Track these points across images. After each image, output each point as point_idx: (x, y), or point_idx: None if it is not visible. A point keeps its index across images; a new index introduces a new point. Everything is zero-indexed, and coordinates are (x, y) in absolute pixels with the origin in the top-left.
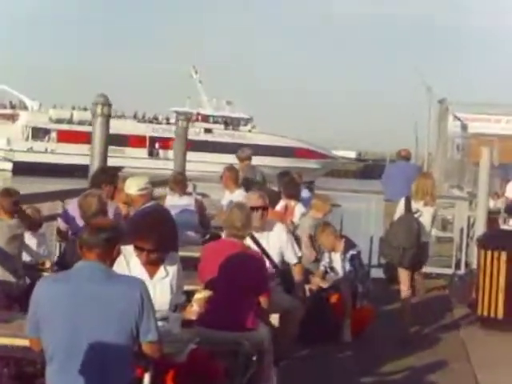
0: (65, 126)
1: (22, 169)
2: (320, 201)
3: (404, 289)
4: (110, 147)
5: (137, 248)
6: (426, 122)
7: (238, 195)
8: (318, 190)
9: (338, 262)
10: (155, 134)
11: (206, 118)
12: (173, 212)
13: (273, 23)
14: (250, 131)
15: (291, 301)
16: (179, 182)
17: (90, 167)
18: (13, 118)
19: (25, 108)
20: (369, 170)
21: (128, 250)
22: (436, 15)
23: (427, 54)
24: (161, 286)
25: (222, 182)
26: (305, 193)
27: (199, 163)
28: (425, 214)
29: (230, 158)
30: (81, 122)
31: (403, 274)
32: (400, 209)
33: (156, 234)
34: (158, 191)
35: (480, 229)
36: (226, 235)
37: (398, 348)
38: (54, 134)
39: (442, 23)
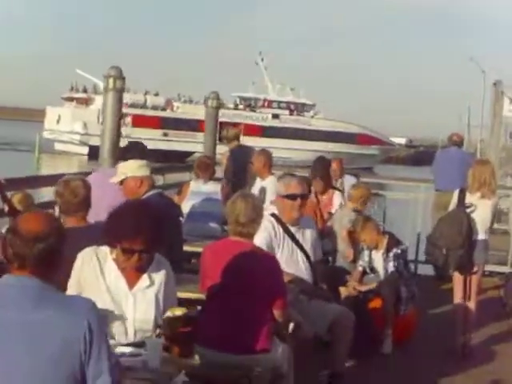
0: (139, 111)
1: (97, 153)
2: (356, 190)
3: (457, 294)
4: (182, 132)
5: (124, 251)
6: (479, 107)
7: (270, 183)
8: (364, 178)
9: (379, 261)
10: (225, 119)
11: (271, 104)
12: (194, 200)
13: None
14: (312, 117)
15: (336, 308)
16: (205, 166)
17: (101, 147)
18: (87, 102)
19: (99, 92)
20: (420, 156)
21: (102, 251)
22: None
23: (481, 40)
24: (143, 299)
25: (253, 167)
26: (350, 180)
27: (271, 149)
28: (480, 208)
29: (298, 144)
30: (154, 107)
31: (456, 277)
32: (454, 203)
33: (148, 229)
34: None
35: None
36: (231, 233)
37: (445, 361)
38: (128, 119)
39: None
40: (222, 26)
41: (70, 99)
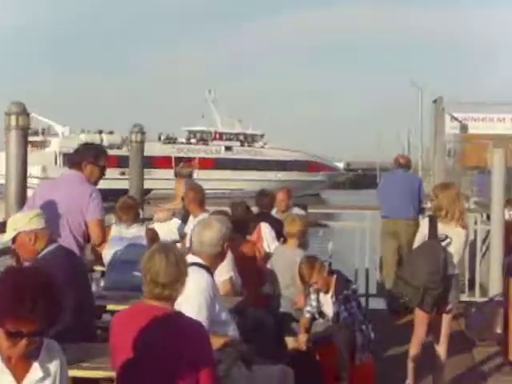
0: None
1: None
2: (293, 225)
3: (419, 335)
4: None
5: (9, 335)
6: (417, 126)
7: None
8: (311, 209)
9: (328, 305)
10: (180, 155)
11: (222, 136)
12: (117, 247)
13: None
14: (263, 147)
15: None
16: (128, 208)
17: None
18: (43, 144)
19: (54, 134)
20: (359, 180)
21: None
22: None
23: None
24: None
25: (185, 204)
26: (299, 212)
27: (223, 181)
28: (455, 240)
29: (250, 174)
30: (110, 146)
31: (421, 316)
32: (422, 233)
33: (41, 303)
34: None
35: (496, 246)
36: (146, 295)
37: None
38: None
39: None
40: (168, 56)
41: None
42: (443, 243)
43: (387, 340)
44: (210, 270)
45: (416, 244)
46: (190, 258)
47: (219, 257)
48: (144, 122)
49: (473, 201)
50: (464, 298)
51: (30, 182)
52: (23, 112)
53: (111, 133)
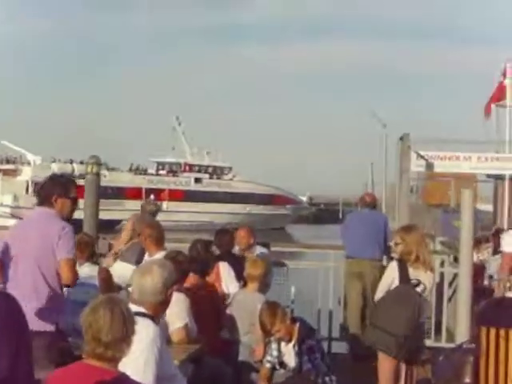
0: None
1: None
2: (255, 268)
3: None
4: (109, 200)
5: None
6: (381, 163)
7: None
8: (273, 247)
9: (290, 354)
10: (150, 186)
11: (191, 168)
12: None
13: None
14: (231, 180)
15: None
16: (83, 245)
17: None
18: (14, 173)
19: (25, 163)
20: (321, 214)
21: None
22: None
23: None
24: None
25: (141, 241)
26: (262, 251)
27: (192, 213)
28: (427, 285)
29: (218, 207)
30: (81, 176)
31: (388, 365)
32: (389, 277)
33: None
34: None
35: (464, 289)
36: (87, 355)
37: None
38: None
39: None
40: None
41: None
42: (418, 289)
43: None
44: (154, 319)
45: (382, 289)
46: (131, 308)
47: (163, 304)
48: (111, 151)
49: (438, 241)
50: (430, 343)
51: (2, 210)
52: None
53: (82, 163)
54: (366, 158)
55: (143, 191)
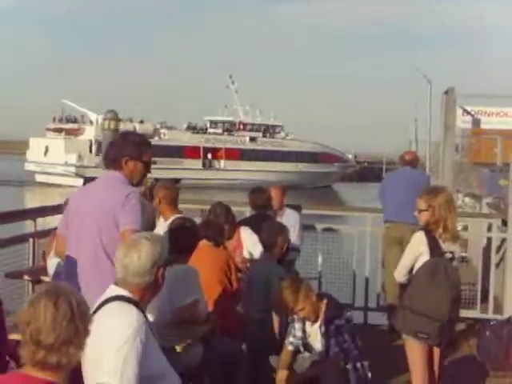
0: None
1: None
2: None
3: (421, 373)
4: (169, 159)
5: None
6: (426, 119)
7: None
8: (305, 210)
9: (316, 336)
10: (207, 145)
11: (245, 127)
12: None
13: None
14: (284, 138)
15: None
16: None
17: None
18: (77, 132)
19: (86, 122)
20: (364, 173)
21: None
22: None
23: (427, 51)
24: None
25: (155, 204)
26: (292, 215)
27: (248, 172)
28: (457, 257)
29: (272, 166)
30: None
31: (420, 350)
32: (415, 251)
33: None
34: None
35: None
36: (25, 361)
37: None
38: None
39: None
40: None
41: (58, 130)
42: (454, 263)
43: (386, 370)
44: (139, 304)
45: (407, 264)
46: (112, 290)
47: (152, 287)
48: (163, 109)
49: (485, 202)
50: (476, 313)
51: (67, 170)
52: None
53: (141, 122)
54: (412, 114)
55: (201, 150)
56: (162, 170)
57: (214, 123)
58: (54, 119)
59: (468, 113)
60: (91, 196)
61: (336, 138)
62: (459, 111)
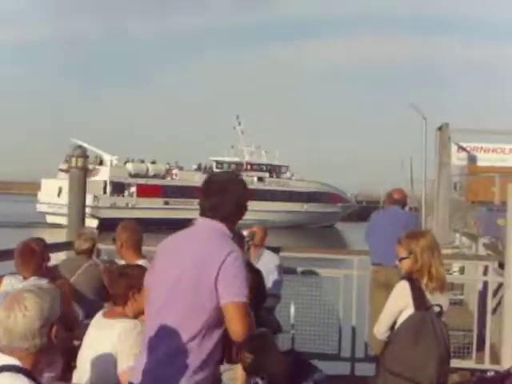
0: (142, 180)
1: (107, 225)
2: None
3: None
4: (181, 200)
5: None
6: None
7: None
8: (285, 253)
9: None
10: None
11: (253, 167)
12: None
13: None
14: (290, 178)
15: None
16: (29, 255)
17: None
18: (90, 173)
19: (100, 163)
20: (364, 212)
21: None
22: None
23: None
24: None
25: (117, 249)
26: (271, 258)
27: (255, 212)
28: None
29: (279, 206)
30: (155, 175)
31: None
32: (399, 304)
33: None
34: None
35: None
36: None
37: None
38: (133, 189)
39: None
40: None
41: None
42: (443, 318)
43: None
44: (31, 374)
45: (388, 319)
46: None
47: (45, 351)
48: (173, 150)
49: (482, 243)
50: (471, 363)
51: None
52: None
53: (153, 162)
54: (408, 153)
55: None
56: (176, 210)
57: (219, 163)
58: (67, 160)
59: (463, 149)
60: (180, 251)
61: (335, 177)
62: (454, 148)
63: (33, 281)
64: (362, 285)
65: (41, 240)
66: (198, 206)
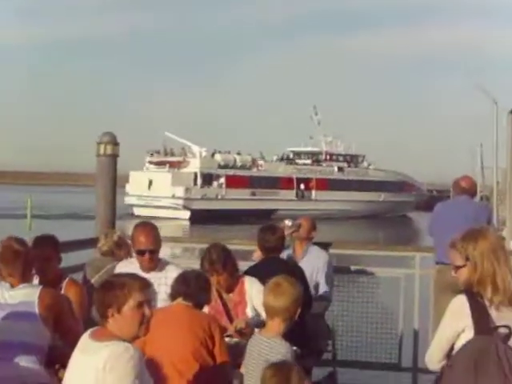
0: (230, 171)
1: (198, 217)
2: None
3: None
4: (262, 190)
5: None
6: (493, 143)
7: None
8: (335, 249)
9: None
10: (300, 175)
11: (332, 157)
12: None
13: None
14: (367, 168)
15: None
16: (11, 257)
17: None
18: (180, 164)
19: (188, 154)
20: (433, 201)
21: None
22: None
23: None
24: None
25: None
26: (317, 253)
27: (336, 202)
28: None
29: (357, 195)
30: (242, 166)
31: None
32: (455, 325)
33: None
34: None
35: None
36: None
37: None
38: (222, 180)
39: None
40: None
41: (162, 163)
42: (510, 342)
43: None
44: None
45: (443, 344)
46: None
47: None
48: (248, 141)
49: None
50: None
51: (175, 202)
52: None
53: (238, 154)
54: (478, 139)
55: (294, 180)
56: (260, 201)
57: (297, 154)
58: (153, 152)
59: None
60: None
61: (410, 165)
62: None
63: (22, 288)
64: (426, 286)
65: (21, 240)
66: (282, 197)
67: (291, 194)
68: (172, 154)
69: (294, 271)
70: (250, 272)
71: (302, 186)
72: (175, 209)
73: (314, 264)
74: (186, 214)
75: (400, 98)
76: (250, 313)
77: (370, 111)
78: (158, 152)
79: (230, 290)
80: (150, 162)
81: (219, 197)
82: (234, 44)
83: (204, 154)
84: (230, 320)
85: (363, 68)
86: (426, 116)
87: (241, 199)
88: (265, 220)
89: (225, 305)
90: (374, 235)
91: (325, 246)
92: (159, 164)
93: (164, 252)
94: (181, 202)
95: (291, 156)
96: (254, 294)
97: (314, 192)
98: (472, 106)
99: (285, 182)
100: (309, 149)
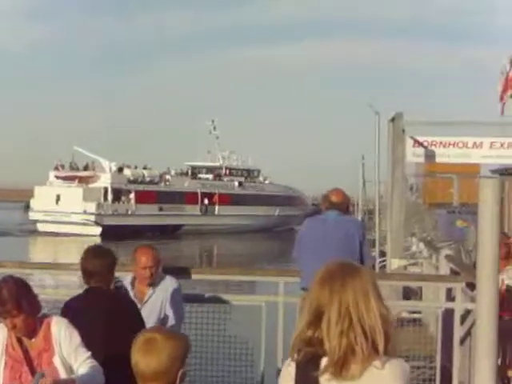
0: (139, 186)
1: (109, 233)
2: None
3: None
4: (169, 205)
5: None
6: (374, 155)
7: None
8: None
9: None
10: (204, 190)
11: (231, 172)
12: None
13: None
14: (262, 183)
15: None
16: None
17: None
18: (90, 179)
19: (96, 169)
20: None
21: None
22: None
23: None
24: None
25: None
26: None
27: (237, 217)
28: None
29: (256, 210)
30: (151, 181)
31: None
32: None
33: None
34: None
35: (486, 335)
36: None
37: None
38: (132, 195)
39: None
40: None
41: (70, 178)
42: None
43: None
44: None
45: None
46: None
47: None
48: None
49: (444, 254)
50: None
51: (87, 218)
52: None
53: (145, 168)
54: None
55: (199, 196)
56: (166, 217)
57: (194, 168)
58: (57, 167)
59: (420, 144)
60: None
61: (299, 180)
62: (410, 142)
63: None
64: (290, 315)
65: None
66: (188, 212)
67: (196, 209)
68: (77, 169)
69: (123, 304)
70: (70, 305)
71: (206, 201)
72: (85, 224)
73: (161, 296)
74: (97, 230)
75: (295, 111)
76: (58, 363)
77: (267, 124)
78: (63, 166)
79: (32, 334)
80: (57, 177)
81: (129, 212)
82: (134, 57)
83: (114, 168)
84: (32, 371)
85: (261, 81)
86: (322, 128)
87: (149, 215)
88: (168, 236)
89: (26, 352)
90: (270, 248)
91: (176, 271)
92: (67, 179)
93: None
94: (93, 217)
95: (189, 171)
96: (62, 339)
97: (217, 207)
98: (360, 118)
99: (190, 198)
100: (207, 164)
